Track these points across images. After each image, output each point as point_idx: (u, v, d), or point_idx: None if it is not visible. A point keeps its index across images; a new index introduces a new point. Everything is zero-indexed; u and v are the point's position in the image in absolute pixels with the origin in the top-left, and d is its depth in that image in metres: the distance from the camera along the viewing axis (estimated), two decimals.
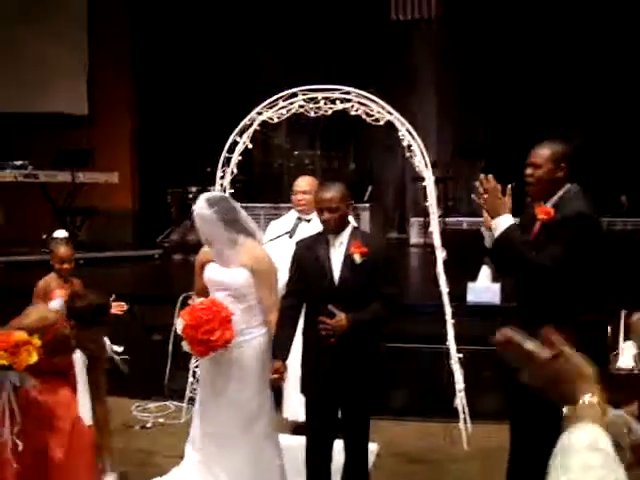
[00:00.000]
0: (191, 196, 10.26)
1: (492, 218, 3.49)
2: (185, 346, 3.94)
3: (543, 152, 3.54)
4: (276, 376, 3.86)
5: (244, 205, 10.69)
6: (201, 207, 3.99)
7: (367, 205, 10.70)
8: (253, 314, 4.02)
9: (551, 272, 3.39)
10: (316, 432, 3.89)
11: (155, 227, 10.53)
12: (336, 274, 3.76)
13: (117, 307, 4.65)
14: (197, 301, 4.05)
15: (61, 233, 5.06)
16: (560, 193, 3.54)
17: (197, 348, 3.86)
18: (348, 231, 3.83)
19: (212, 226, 3.96)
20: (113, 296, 4.27)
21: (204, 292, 4.14)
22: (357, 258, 3.71)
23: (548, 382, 1.26)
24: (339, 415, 3.90)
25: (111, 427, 4.53)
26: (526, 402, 3.51)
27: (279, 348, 3.88)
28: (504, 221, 3.46)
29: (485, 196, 3.51)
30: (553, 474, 1.10)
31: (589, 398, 1.20)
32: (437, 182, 10.38)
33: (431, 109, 11.85)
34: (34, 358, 3.52)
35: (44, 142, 10.08)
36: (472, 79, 11.14)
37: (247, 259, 3.98)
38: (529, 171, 3.56)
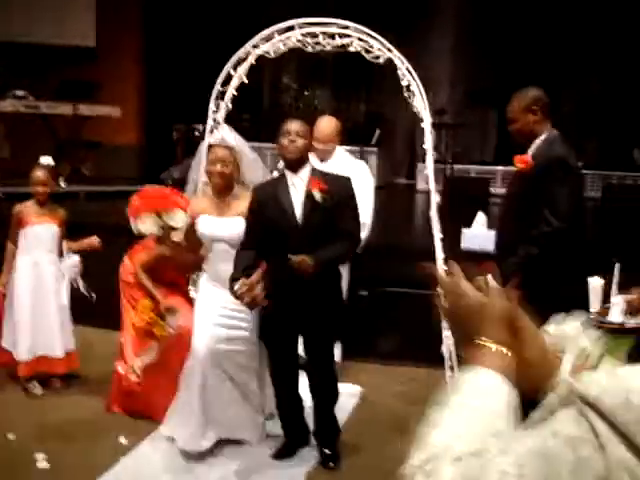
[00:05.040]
0: (197, 134, 10.14)
1: None
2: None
3: (513, 106, 3.70)
4: (247, 293, 3.45)
5: (251, 145, 10.62)
6: (235, 138, 3.92)
7: (375, 149, 10.55)
8: None
9: (565, 229, 3.49)
10: (280, 362, 3.92)
11: (160, 163, 10.43)
12: (298, 212, 3.69)
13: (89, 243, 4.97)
14: None
15: (46, 159, 4.99)
16: (538, 141, 3.65)
17: None
18: (307, 170, 3.77)
19: (247, 164, 3.95)
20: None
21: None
22: (317, 195, 3.65)
23: (459, 315, 1.15)
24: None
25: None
26: None
27: (238, 270, 3.62)
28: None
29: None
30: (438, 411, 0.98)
31: (495, 345, 1.08)
32: (447, 128, 10.29)
33: (445, 55, 11.61)
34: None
35: (49, 74, 9.96)
36: (488, 24, 10.86)
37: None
38: (509, 127, 3.75)
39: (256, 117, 9.98)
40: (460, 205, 6.47)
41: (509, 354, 1.07)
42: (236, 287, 3.44)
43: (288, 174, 3.77)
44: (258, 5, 11.19)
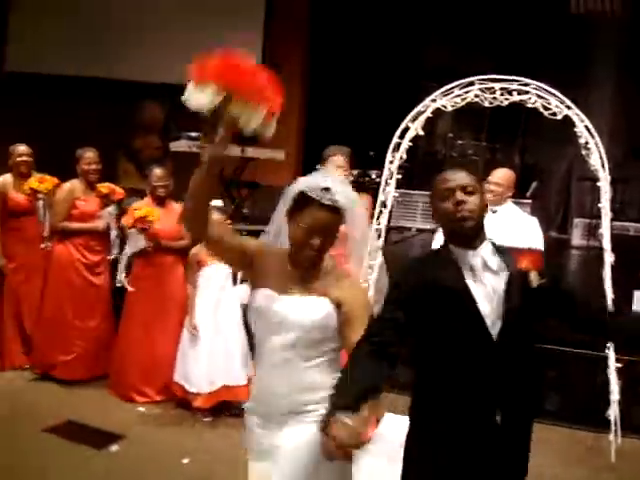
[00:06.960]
0: (352, 178, 10.36)
1: None
2: None
3: None
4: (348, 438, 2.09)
5: (403, 192, 10.68)
6: (347, 194, 2.52)
7: (529, 202, 10.41)
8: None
9: None
10: None
11: None
12: (487, 313, 2.26)
13: None
14: None
15: (217, 202, 5.29)
16: None
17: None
18: (488, 243, 2.38)
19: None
20: None
21: None
22: (534, 278, 2.28)
23: None
24: None
25: None
26: None
27: (354, 388, 2.19)
28: None
29: None
30: None
31: None
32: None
33: (606, 107, 11.36)
34: None
35: None
36: None
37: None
38: None
39: (410, 164, 10.09)
40: (622, 264, 6.30)
41: None
42: (345, 420, 2.09)
43: (458, 252, 2.34)
44: (418, 55, 11.41)
